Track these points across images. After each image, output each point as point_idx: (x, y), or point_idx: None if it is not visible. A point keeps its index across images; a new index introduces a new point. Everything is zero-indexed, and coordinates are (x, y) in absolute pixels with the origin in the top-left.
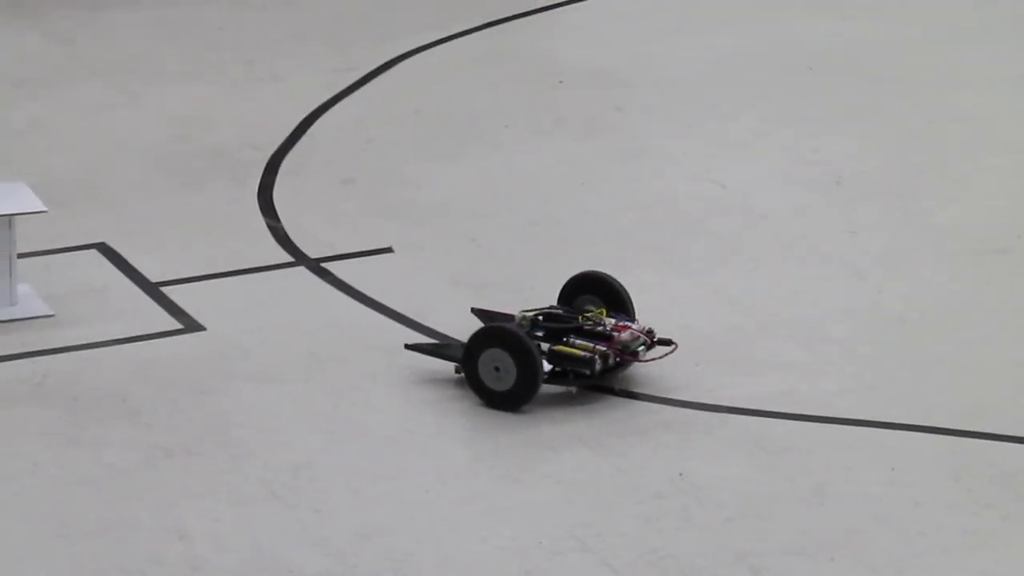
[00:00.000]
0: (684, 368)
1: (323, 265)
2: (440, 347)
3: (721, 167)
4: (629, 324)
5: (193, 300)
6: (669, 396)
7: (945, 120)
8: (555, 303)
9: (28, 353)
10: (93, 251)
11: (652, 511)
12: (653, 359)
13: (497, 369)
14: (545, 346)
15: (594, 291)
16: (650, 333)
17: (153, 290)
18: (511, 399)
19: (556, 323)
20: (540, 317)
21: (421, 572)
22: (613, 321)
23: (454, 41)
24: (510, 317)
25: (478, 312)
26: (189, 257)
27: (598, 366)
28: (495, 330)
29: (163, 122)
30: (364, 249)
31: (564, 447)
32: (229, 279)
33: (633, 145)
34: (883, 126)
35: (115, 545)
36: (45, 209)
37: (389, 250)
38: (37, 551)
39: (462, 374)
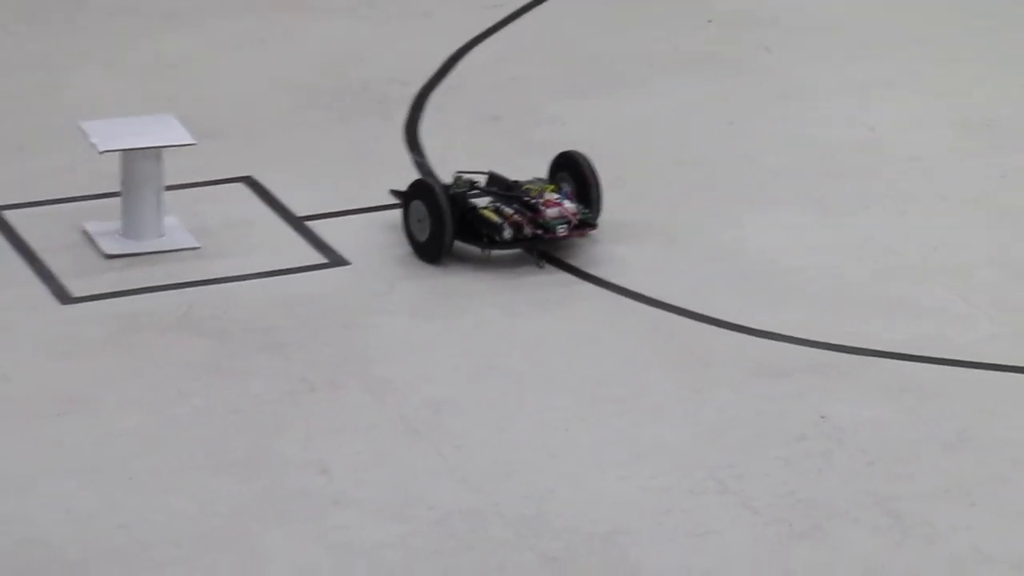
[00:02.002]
0: (828, 311)
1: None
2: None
3: (870, 109)
4: (562, 202)
5: (338, 235)
6: (813, 338)
7: None
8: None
9: (175, 284)
10: (240, 184)
11: (793, 453)
12: (565, 237)
13: (420, 221)
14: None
15: (568, 170)
16: (581, 216)
17: (298, 224)
18: (428, 250)
19: (490, 187)
20: (475, 181)
21: (561, 510)
22: (553, 197)
23: None
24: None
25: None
26: (335, 191)
27: (507, 233)
28: (421, 184)
29: (313, 57)
30: None
31: (706, 388)
32: (374, 214)
33: (781, 86)
34: None
35: (258, 476)
36: (194, 142)
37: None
38: (183, 481)
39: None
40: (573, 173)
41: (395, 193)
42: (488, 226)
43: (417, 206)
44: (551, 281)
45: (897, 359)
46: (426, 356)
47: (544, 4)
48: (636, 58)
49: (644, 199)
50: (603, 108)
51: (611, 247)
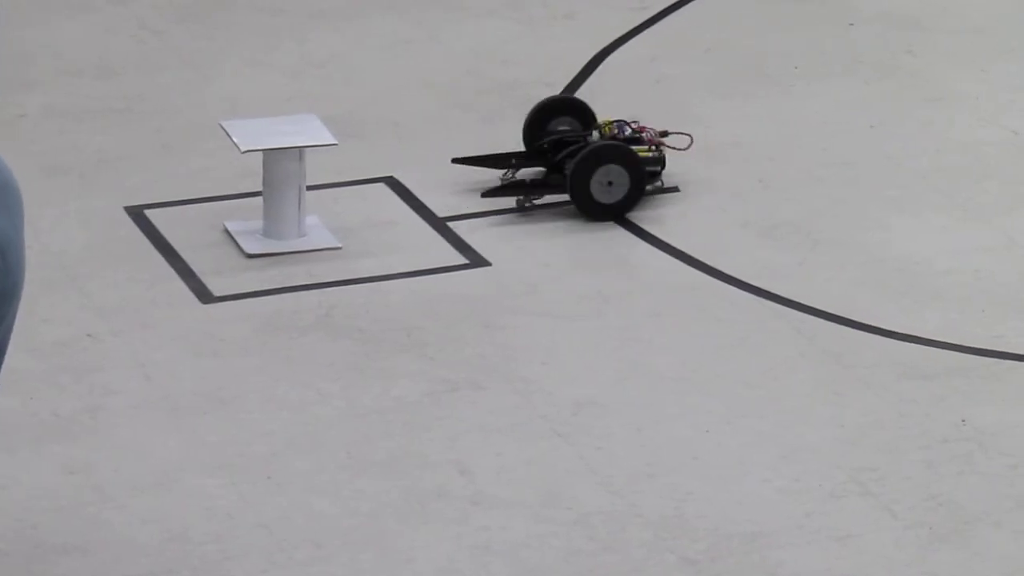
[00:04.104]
0: (973, 315)
1: None
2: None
3: (1014, 112)
4: (643, 128)
5: (479, 235)
6: (956, 342)
7: None
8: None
9: (316, 284)
10: (382, 184)
11: (935, 457)
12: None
13: (610, 184)
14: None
15: (571, 113)
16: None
17: (440, 225)
18: (611, 211)
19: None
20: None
21: (701, 511)
22: (632, 127)
23: None
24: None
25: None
26: (477, 192)
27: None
28: (612, 148)
29: (457, 57)
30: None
31: (848, 390)
32: (516, 215)
33: (925, 89)
34: None
35: (399, 477)
36: (336, 142)
37: (675, 189)
38: (323, 481)
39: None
40: (577, 114)
41: (564, 159)
42: (655, 163)
43: (609, 169)
44: (696, 283)
45: None
46: (569, 357)
47: (688, 6)
48: (780, 60)
49: (787, 202)
50: (747, 110)
51: (753, 249)
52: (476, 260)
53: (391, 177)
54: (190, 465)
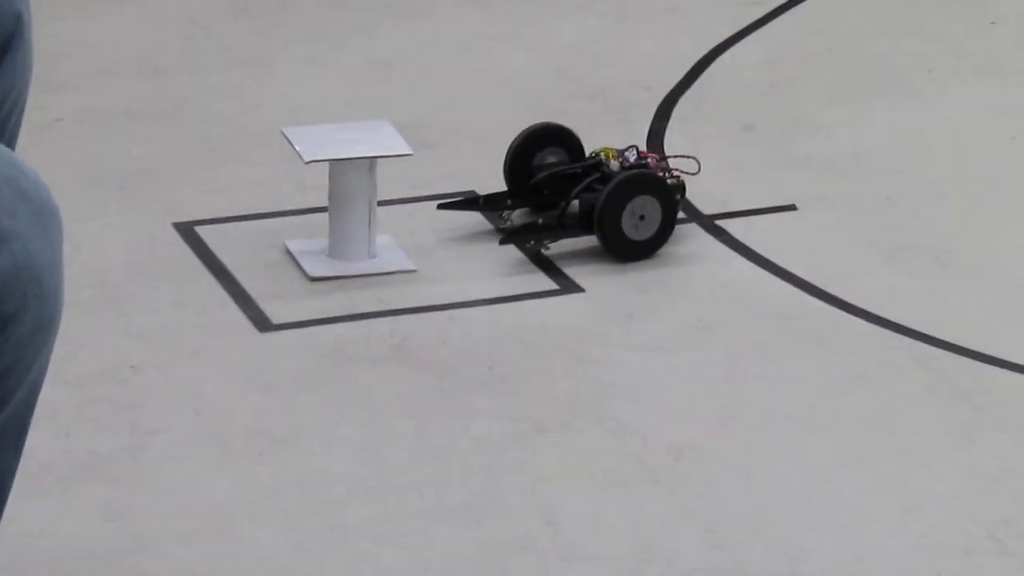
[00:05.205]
0: None
1: (717, 223)
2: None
3: None
4: (648, 154)
5: (570, 258)
6: None
7: None
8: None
9: (387, 311)
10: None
11: None
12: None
13: (641, 218)
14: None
15: (558, 143)
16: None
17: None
18: (641, 249)
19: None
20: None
21: (818, 569)
22: (634, 155)
23: None
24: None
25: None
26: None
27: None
28: (646, 177)
29: (545, 58)
30: (764, 205)
31: (981, 433)
32: None
33: None
34: None
35: (477, 526)
36: (410, 152)
37: (792, 207)
38: (393, 530)
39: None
40: (566, 144)
41: (595, 183)
42: (677, 191)
43: (643, 201)
44: (811, 311)
45: None
46: (668, 394)
47: (807, 2)
48: (912, 62)
49: (915, 219)
50: (873, 117)
51: (876, 273)
52: (567, 286)
53: (471, 191)
54: (242, 512)
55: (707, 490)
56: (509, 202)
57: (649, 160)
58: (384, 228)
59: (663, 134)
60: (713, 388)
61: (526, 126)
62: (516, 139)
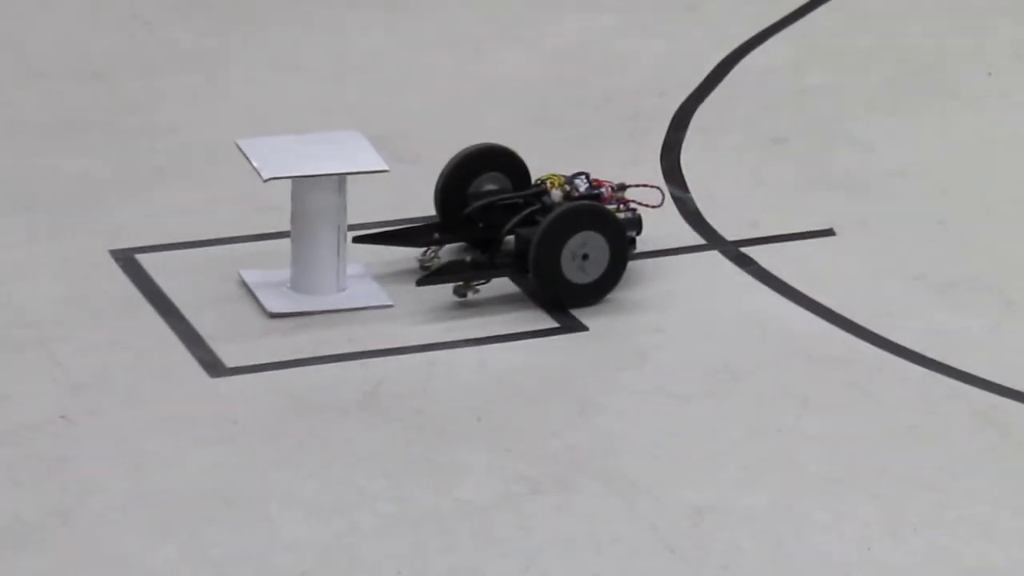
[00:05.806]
0: None
1: (742, 250)
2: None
3: None
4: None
5: None
6: None
7: None
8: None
9: (358, 353)
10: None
11: None
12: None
13: (584, 257)
14: None
15: (499, 168)
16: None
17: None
18: (584, 294)
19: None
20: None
21: None
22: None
23: None
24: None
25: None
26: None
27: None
28: (591, 210)
29: (544, 60)
30: (797, 230)
31: None
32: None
33: None
34: None
35: None
36: (386, 168)
37: (830, 232)
38: None
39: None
40: (508, 169)
41: (526, 222)
42: (631, 226)
43: (585, 238)
44: (851, 353)
45: None
46: (685, 449)
47: None
48: (968, 64)
49: (974, 248)
50: (923, 129)
51: (929, 312)
52: (568, 323)
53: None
54: None
55: (730, 561)
56: (437, 236)
57: (603, 189)
58: (355, 256)
59: (679, 148)
60: (737, 443)
61: (521, 138)
62: (449, 163)
